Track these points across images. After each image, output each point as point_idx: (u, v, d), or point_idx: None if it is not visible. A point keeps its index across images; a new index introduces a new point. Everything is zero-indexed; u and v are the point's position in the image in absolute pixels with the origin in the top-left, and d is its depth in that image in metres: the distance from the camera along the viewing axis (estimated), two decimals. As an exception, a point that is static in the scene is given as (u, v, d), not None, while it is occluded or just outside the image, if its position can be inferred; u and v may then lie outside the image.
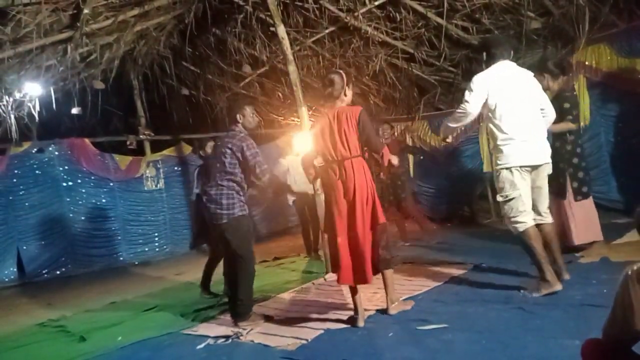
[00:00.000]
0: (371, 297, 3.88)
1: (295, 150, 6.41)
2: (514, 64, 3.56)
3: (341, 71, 3.50)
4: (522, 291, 3.40)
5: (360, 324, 3.24)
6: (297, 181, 6.01)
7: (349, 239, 3.27)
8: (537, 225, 3.45)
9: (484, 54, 3.60)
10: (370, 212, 3.27)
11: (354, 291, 3.34)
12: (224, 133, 3.85)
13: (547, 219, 3.56)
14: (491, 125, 3.49)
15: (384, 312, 3.44)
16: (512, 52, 3.63)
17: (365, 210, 3.25)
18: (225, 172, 3.61)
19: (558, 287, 3.28)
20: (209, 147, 5.02)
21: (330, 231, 3.37)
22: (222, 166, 3.62)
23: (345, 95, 3.41)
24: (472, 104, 3.46)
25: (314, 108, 8.89)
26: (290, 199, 6.37)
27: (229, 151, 3.60)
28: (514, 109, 3.40)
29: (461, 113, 3.53)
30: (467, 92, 3.50)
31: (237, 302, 3.62)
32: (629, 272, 1.69)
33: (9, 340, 4.12)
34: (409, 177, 6.83)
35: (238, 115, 3.73)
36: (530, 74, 3.61)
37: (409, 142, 8.22)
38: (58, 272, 7.16)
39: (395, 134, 7.01)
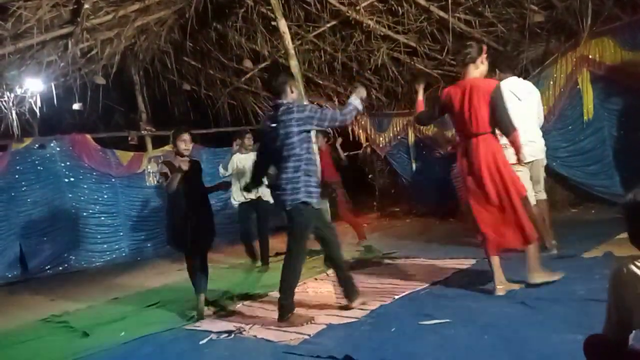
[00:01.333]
0: (373, 292, 3.88)
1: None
2: (517, 79, 4.14)
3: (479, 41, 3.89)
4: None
5: (500, 292, 3.26)
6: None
7: (485, 212, 3.31)
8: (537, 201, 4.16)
9: (496, 70, 4.06)
10: (504, 185, 3.23)
11: (496, 260, 3.33)
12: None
13: (539, 196, 4.23)
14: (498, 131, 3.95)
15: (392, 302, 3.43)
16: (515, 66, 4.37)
17: (499, 184, 3.24)
18: (291, 155, 3.25)
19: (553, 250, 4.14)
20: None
21: (466, 208, 3.50)
22: (287, 149, 3.26)
23: (482, 63, 3.33)
24: None
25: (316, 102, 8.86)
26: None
27: (294, 129, 3.22)
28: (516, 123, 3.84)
29: None
30: None
31: (278, 300, 3.42)
32: (616, 272, 1.68)
33: (12, 335, 4.14)
34: (343, 189, 6.20)
35: (290, 87, 3.37)
36: (531, 85, 4.22)
37: (411, 137, 8.21)
38: (60, 268, 7.18)
39: (336, 143, 6.39)
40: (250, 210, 5.73)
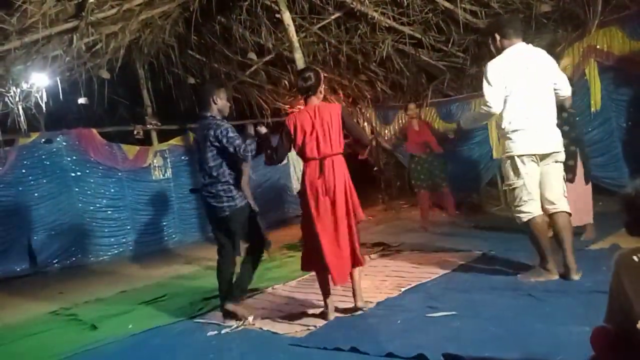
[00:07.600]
0: (379, 284, 3.89)
1: None
2: (525, 45, 3.43)
3: (317, 68, 3.61)
4: (518, 275, 3.51)
5: (331, 317, 3.26)
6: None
7: (331, 238, 3.17)
8: (552, 215, 3.43)
9: (496, 36, 3.44)
10: (350, 210, 3.22)
11: (328, 290, 3.31)
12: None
13: (560, 207, 3.41)
14: (501, 113, 3.40)
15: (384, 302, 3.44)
16: (523, 32, 3.54)
17: (347, 209, 3.21)
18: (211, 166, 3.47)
19: (555, 276, 3.37)
20: None
21: (309, 231, 3.26)
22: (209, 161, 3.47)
23: (320, 92, 3.34)
24: (495, 103, 3.35)
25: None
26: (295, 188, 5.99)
27: (209, 144, 3.43)
28: (526, 98, 3.31)
29: (485, 114, 3.47)
30: (486, 89, 3.37)
31: None
32: (617, 260, 1.67)
33: (21, 328, 4.19)
34: None
35: (212, 99, 3.49)
36: (543, 52, 3.48)
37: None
38: (68, 262, 7.22)
39: None
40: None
